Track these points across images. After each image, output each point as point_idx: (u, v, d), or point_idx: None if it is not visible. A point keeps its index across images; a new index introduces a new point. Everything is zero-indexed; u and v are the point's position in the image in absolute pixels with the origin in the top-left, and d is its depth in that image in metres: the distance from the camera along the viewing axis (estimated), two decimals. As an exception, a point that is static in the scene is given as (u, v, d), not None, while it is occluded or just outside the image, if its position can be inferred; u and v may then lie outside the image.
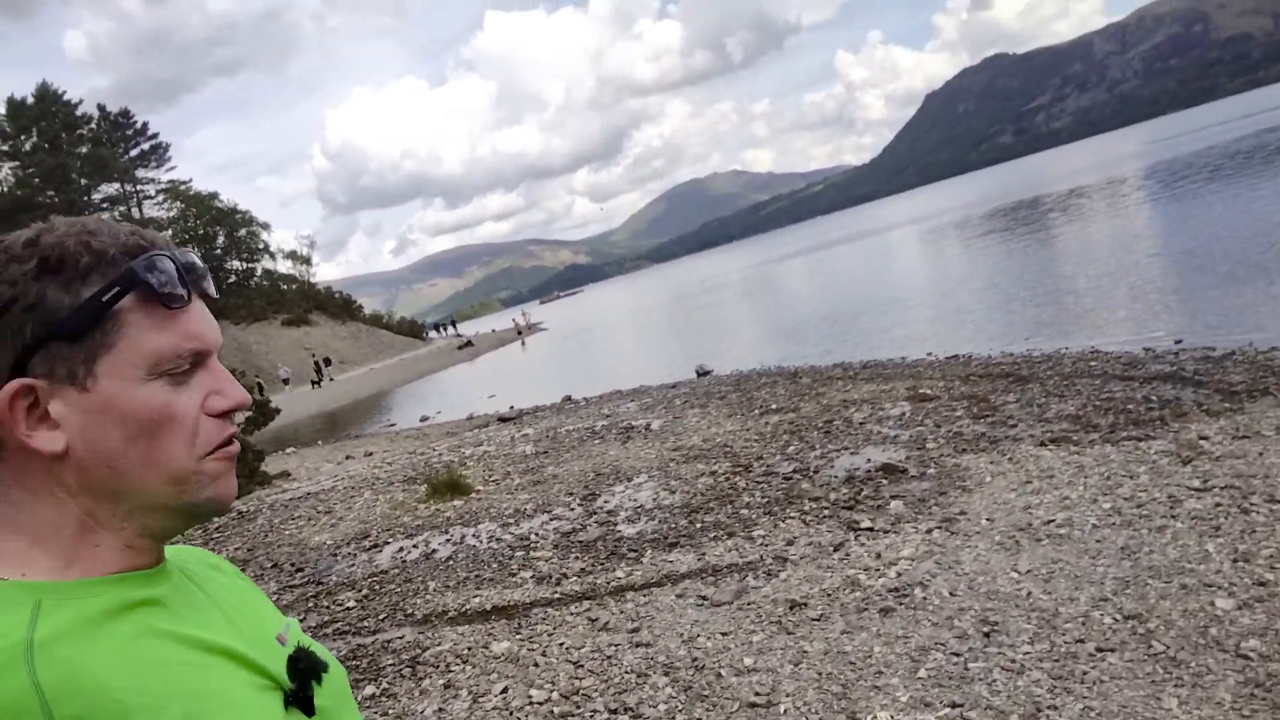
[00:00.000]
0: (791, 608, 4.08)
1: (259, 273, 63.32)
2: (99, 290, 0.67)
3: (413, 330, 70.75)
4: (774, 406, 10.10)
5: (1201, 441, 5.52)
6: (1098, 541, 4.20)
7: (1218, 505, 4.34)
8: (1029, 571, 4.01)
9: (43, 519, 0.68)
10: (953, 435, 6.93)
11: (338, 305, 62.14)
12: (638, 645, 4.00)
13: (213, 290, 0.77)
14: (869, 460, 6.66)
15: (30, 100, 57.96)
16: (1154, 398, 6.91)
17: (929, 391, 9.00)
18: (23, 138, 57.95)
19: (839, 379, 11.43)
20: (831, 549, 4.81)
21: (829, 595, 4.15)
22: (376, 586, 5.86)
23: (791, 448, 7.62)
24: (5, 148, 57.72)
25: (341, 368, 52.58)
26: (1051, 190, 50.93)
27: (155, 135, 66.60)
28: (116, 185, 63.44)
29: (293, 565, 7.02)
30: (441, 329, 73.94)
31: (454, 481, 8.10)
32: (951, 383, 9.37)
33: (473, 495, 7.94)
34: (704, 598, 4.40)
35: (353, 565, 6.59)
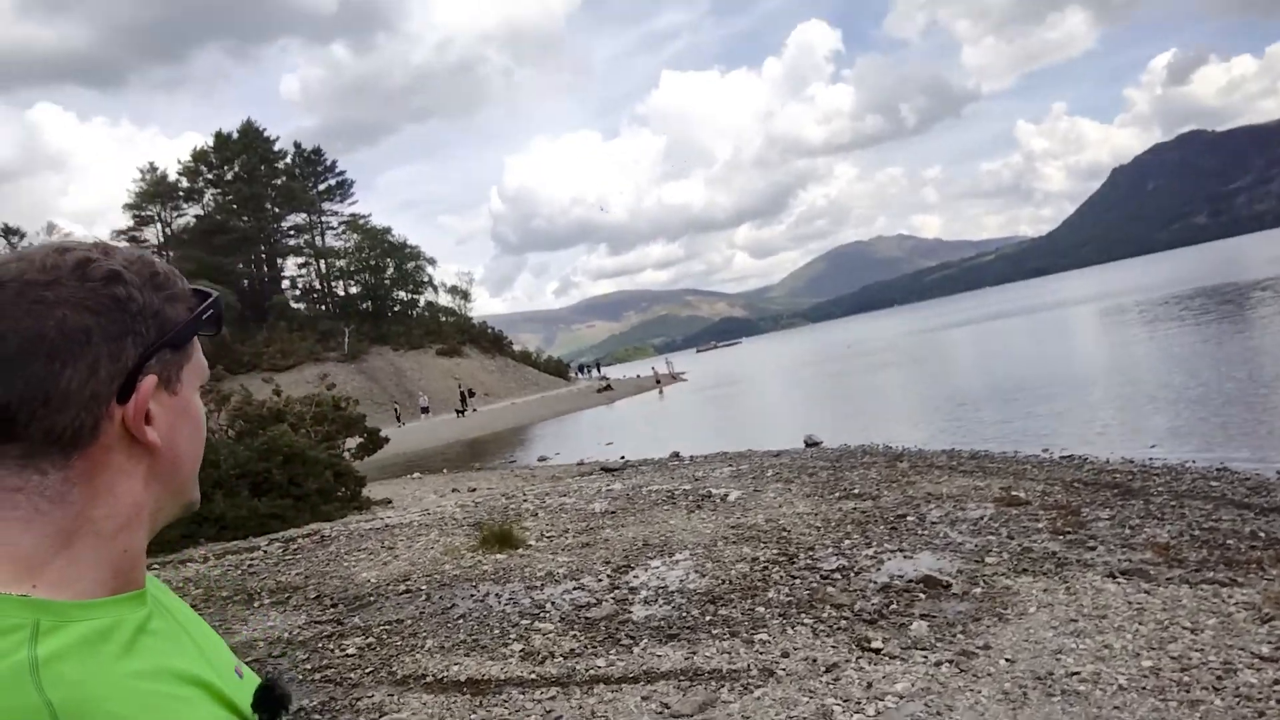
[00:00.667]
0: (744, 734, 3.71)
1: (421, 304, 66.67)
2: (200, 311, 0.77)
3: (558, 370, 72.38)
4: (856, 491, 9.55)
5: (1296, 596, 4.75)
6: (1115, 709, 3.62)
7: (1277, 684, 3.67)
8: (1020, 733, 3.49)
9: (90, 519, 0.70)
10: (1020, 551, 6.28)
11: (489, 340, 64.48)
12: (574, 751, 3.74)
13: None
14: (916, 568, 6.12)
15: (235, 135, 63.81)
16: (1263, 533, 6.04)
17: (1021, 495, 8.27)
18: (225, 168, 63.77)
19: (939, 468, 10.72)
20: (824, 669, 4.38)
21: (791, 726, 3.76)
22: (384, 636, 5.82)
23: (848, 542, 7.13)
24: (211, 176, 63.69)
25: (486, 400, 54.37)
26: (1247, 278, 46.81)
27: (343, 173, 71.90)
28: (303, 215, 68.62)
29: (330, 600, 7.11)
30: (586, 370, 75.29)
31: (505, 534, 8.04)
32: (1051, 487, 8.58)
33: (519, 551, 7.85)
34: (666, 705, 4.08)
35: (380, 610, 6.60)
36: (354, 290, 66.35)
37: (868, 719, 3.77)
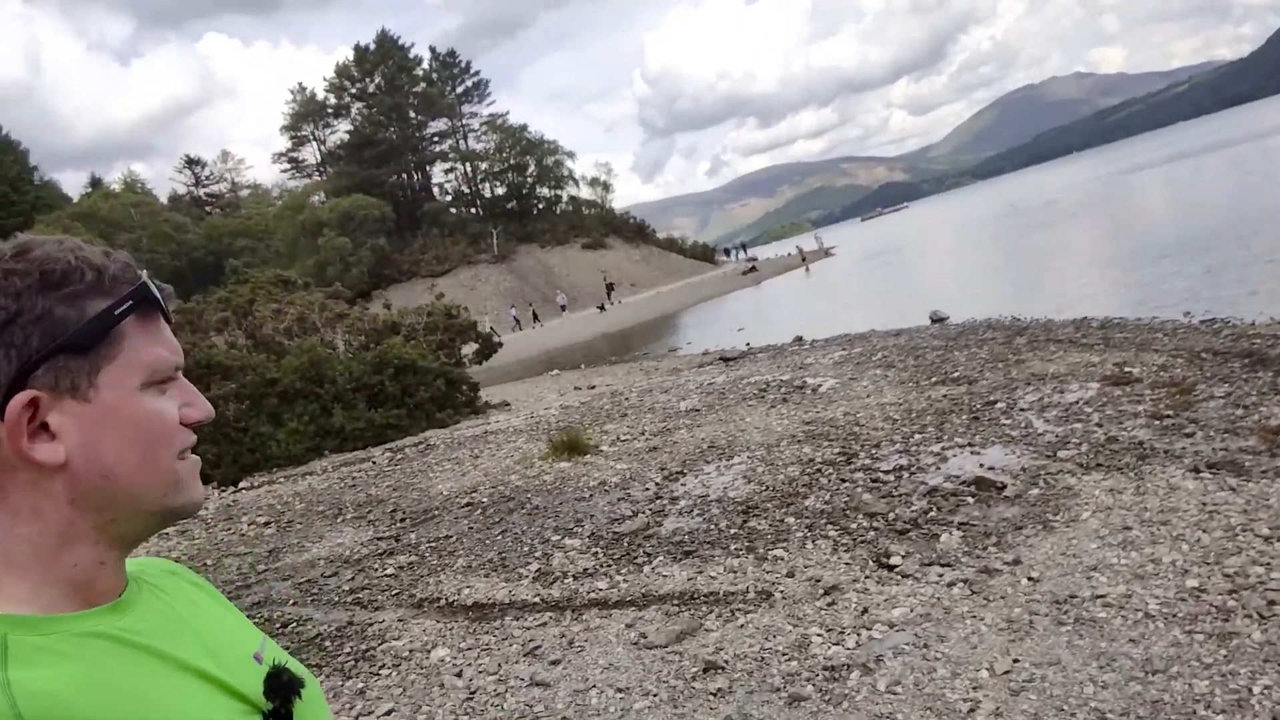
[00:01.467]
0: (706, 669, 3.46)
1: (565, 199, 67.14)
2: (111, 305, 0.71)
3: (704, 254, 71.69)
4: (955, 375, 8.85)
5: None
6: (1130, 641, 3.12)
7: (1344, 612, 3.05)
8: (1006, 673, 3.07)
9: (21, 539, 0.69)
10: (1104, 441, 5.58)
11: (632, 230, 64.42)
12: (535, 685, 3.62)
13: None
14: (981, 465, 5.57)
15: (372, 46, 65.02)
16: None
17: (1134, 371, 7.37)
18: (368, 81, 65.36)
19: (1058, 342, 9.76)
20: (824, 591, 4.04)
21: (760, 661, 3.47)
22: (426, 554, 5.91)
23: (919, 436, 6.60)
24: (354, 91, 65.55)
25: (632, 290, 54.76)
26: None
27: (477, 72, 72.25)
28: (445, 120, 69.78)
29: (402, 514, 7.31)
30: (734, 253, 74.20)
31: (574, 441, 7.97)
32: (1174, 360, 7.61)
33: (585, 457, 7.77)
34: (643, 635, 3.88)
35: (438, 524, 6.71)
36: (500, 191, 67.55)
37: (846, 651, 3.43)
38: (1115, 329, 10.07)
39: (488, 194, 67.91)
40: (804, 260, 54.85)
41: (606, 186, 67.38)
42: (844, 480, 5.73)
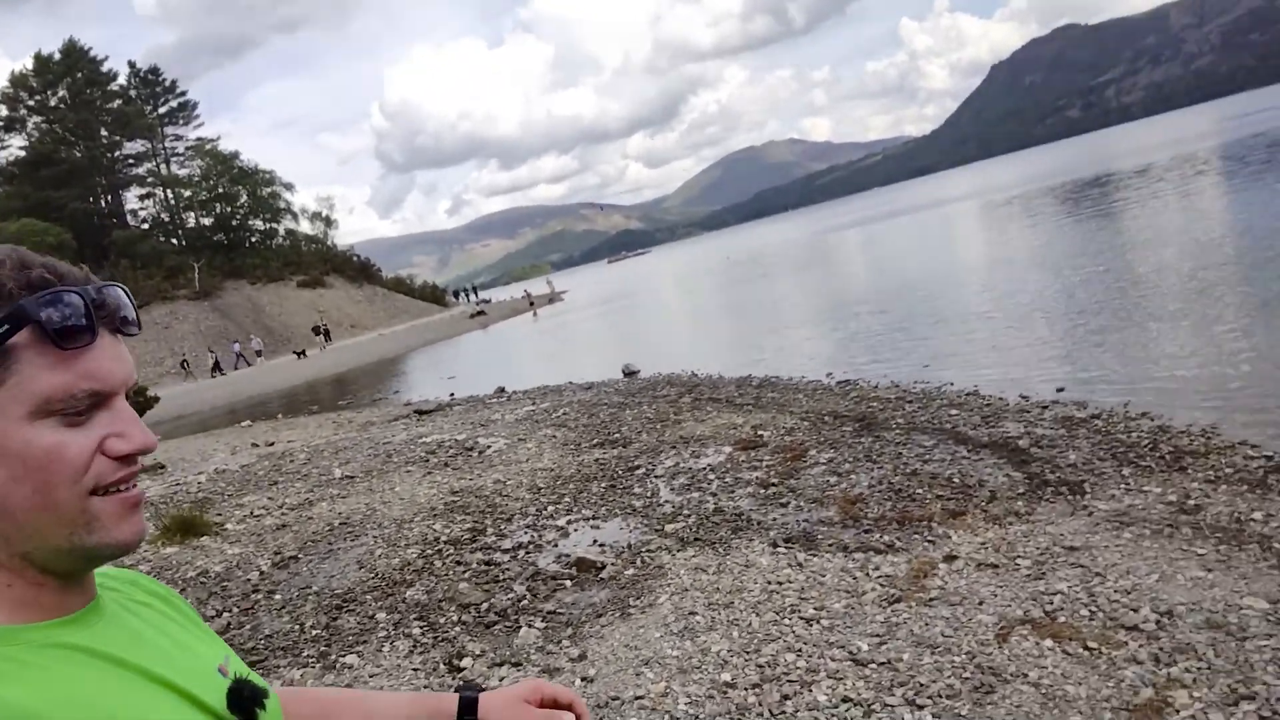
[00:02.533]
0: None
1: (281, 233, 63.13)
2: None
3: (434, 296, 70.15)
4: (615, 436, 8.97)
5: (940, 566, 4.31)
6: (644, 751, 3.05)
7: (845, 702, 3.17)
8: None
9: None
10: (713, 511, 5.76)
11: (355, 268, 61.77)
12: None
13: (134, 327, 0.75)
14: (595, 542, 5.53)
15: (57, 56, 58.10)
16: (958, 478, 5.65)
17: (765, 435, 7.80)
18: (49, 93, 58.18)
19: (719, 401, 10.25)
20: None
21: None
22: None
23: (555, 505, 6.52)
24: (32, 103, 58.05)
25: (352, 331, 52.33)
26: (1115, 169, 47.89)
27: (184, 93, 66.64)
28: (144, 142, 63.54)
29: None
30: (464, 294, 73.33)
31: (189, 521, 7.12)
32: (802, 422, 8.15)
33: (201, 540, 6.94)
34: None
35: None
36: (206, 222, 62.31)
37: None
38: (769, 388, 10.74)
39: (192, 224, 62.44)
40: (532, 305, 55.21)
41: (329, 221, 64.28)
42: (458, 563, 5.47)
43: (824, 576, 4.39)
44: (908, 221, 53.82)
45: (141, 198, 63.37)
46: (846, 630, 3.77)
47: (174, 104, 65.80)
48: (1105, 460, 5.55)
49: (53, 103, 58.64)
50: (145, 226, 61.66)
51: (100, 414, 0.70)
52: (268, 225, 62.63)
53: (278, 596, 5.31)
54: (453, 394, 18.97)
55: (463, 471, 8.45)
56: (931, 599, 3.95)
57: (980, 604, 3.83)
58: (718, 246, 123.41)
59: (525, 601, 4.65)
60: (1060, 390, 7.80)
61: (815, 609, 4.02)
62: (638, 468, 7.40)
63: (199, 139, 65.48)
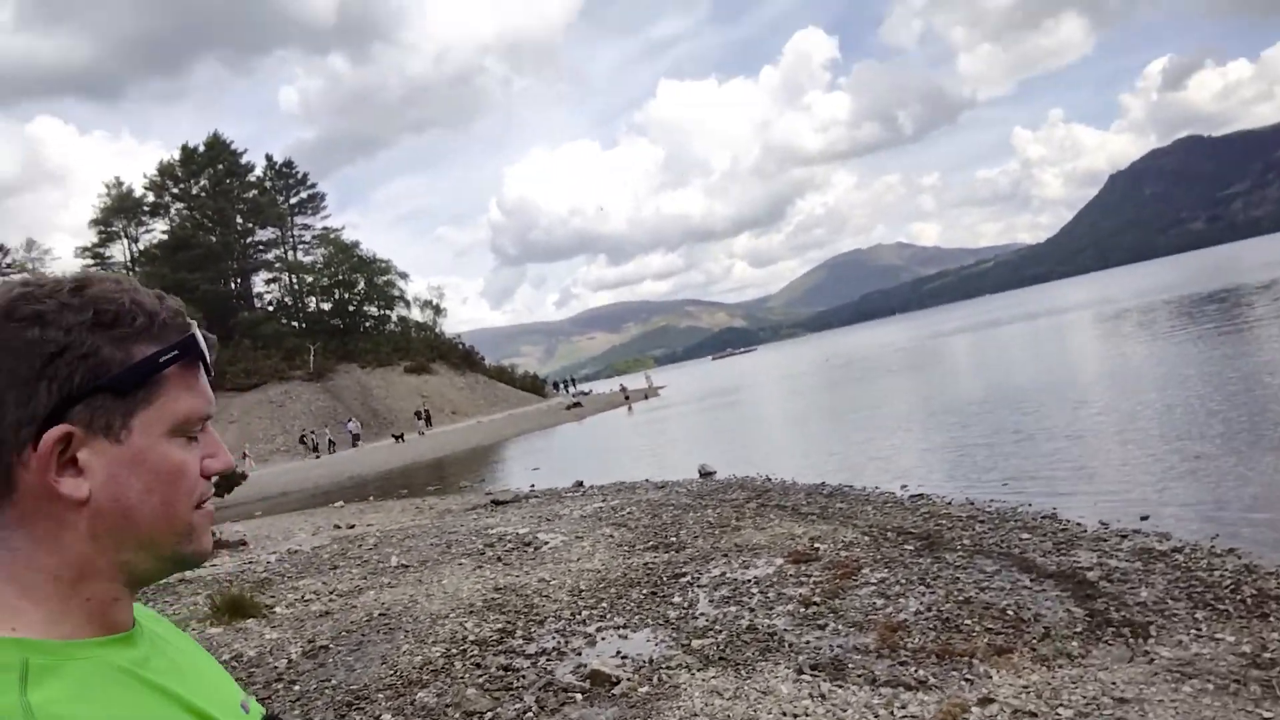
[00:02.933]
0: None
1: (394, 319, 65.78)
2: (157, 352, 0.72)
3: (534, 385, 71.39)
4: (672, 540, 8.75)
5: (973, 710, 3.95)
6: None
7: None
8: None
9: (41, 567, 0.69)
10: (746, 629, 5.48)
11: (459, 356, 63.61)
12: None
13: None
14: (617, 653, 5.32)
15: (202, 148, 63.16)
16: (1013, 610, 5.23)
17: (821, 548, 7.47)
18: (192, 182, 63.10)
19: (783, 509, 9.93)
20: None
21: None
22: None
23: (591, 610, 6.34)
24: (176, 191, 62.99)
25: (453, 418, 53.57)
26: (1239, 283, 45.69)
27: (314, 185, 71.09)
28: (274, 230, 67.85)
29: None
30: (564, 386, 74.45)
31: (238, 603, 7.21)
32: (862, 536, 7.78)
33: (246, 622, 7.01)
34: None
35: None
36: (325, 306, 65.58)
37: None
38: (839, 498, 10.35)
39: (312, 308, 65.77)
40: (626, 399, 55.55)
41: (437, 309, 66.72)
42: (478, 665, 5.33)
43: (844, 712, 4.07)
44: (1016, 330, 52.20)
45: (268, 281, 67.33)
46: (854, 776, 3.46)
47: (304, 195, 70.29)
48: (1179, 600, 5.06)
49: (194, 191, 63.44)
50: (269, 309, 65.34)
51: (202, 436, 0.77)
52: (381, 312, 65.41)
53: (297, 687, 5.27)
54: (533, 485, 19.09)
55: (513, 568, 8.36)
56: (954, 748, 3.60)
57: (1007, 758, 3.47)
58: (819, 347, 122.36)
59: (530, 714, 4.47)
60: (1144, 519, 7.23)
61: (827, 748, 3.72)
62: (684, 574, 7.16)
63: (325, 228, 69.57)
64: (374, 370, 58.23)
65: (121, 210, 63.38)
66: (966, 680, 4.30)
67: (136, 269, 64.40)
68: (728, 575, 6.95)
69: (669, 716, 4.22)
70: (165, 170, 63.48)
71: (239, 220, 65.13)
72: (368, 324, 64.98)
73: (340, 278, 63.10)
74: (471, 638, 5.88)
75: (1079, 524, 7.37)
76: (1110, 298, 68.92)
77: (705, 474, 15.38)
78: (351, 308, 64.49)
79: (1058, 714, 3.80)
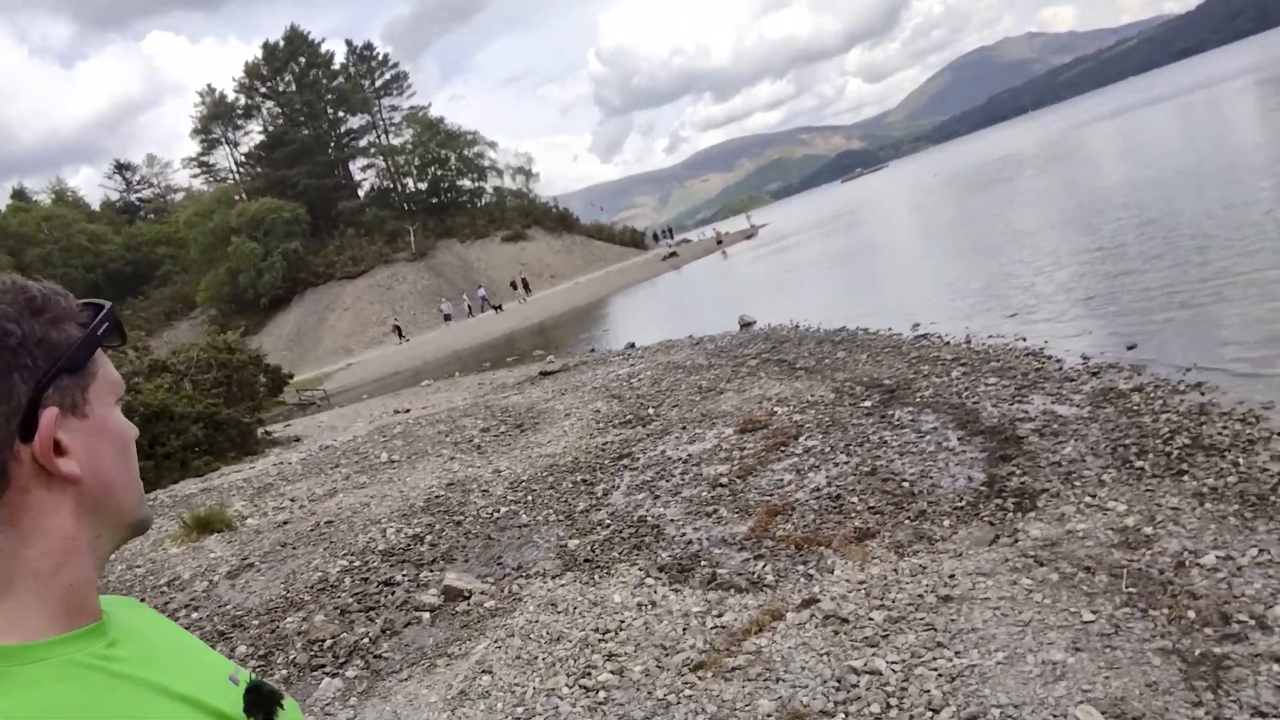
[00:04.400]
0: None
1: (489, 190, 65.88)
2: (93, 326, 0.74)
3: (633, 240, 70.83)
4: (647, 412, 8.44)
5: (787, 616, 3.56)
6: None
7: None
8: None
9: (23, 561, 0.69)
10: (634, 522, 5.17)
11: (555, 219, 63.44)
12: None
13: None
14: (496, 561, 5.13)
15: (281, 43, 63.29)
16: (910, 482, 4.69)
17: (777, 413, 7.00)
18: (277, 79, 63.64)
19: (783, 363, 9.43)
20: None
21: None
22: None
23: (516, 507, 6.16)
24: (264, 90, 63.81)
25: (551, 281, 54.05)
26: None
27: (395, 65, 70.56)
28: (363, 116, 68.15)
29: None
30: (662, 236, 73.58)
31: (209, 518, 7.42)
32: (830, 393, 7.25)
33: (210, 538, 7.22)
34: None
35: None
36: (421, 186, 66.27)
37: None
38: (846, 344, 9.70)
39: (412, 188, 66.57)
40: (720, 244, 54.50)
41: (529, 174, 66.30)
42: (364, 581, 5.27)
43: (659, 624, 3.75)
44: (1158, 112, 47.16)
45: (364, 168, 68.31)
46: (613, 712, 3.17)
47: (388, 76, 69.96)
48: (1101, 457, 4.40)
49: (280, 88, 64.10)
50: (370, 195, 66.56)
51: None
52: (475, 184, 65.58)
53: (195, 614, 5.37)
54: (593, 349, 19.10)
55: (485, 455, 8.29)
56: (733, 669, 3.24)
57: (776, 681, 3.09)
58: (942, 159, 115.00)
59: (367, 640, 4.36)
60: (1131, 348, 6.37)
61: (611, 673, 3.43)
62: (630, 454, 6.88)
63: (412, 107, 69.38)
64: (472, 243, 58.98)
65: (217, 116, 64.97)
66: (807, 577, 3.89)
67: (240, 171, 66.65)
68: (667, 453, 6.62)
69: (487, 638, 4.01)
70: (251, 71, 64.13)
71: (328, 111, 65.64)
72: (462, 198, 65.41)
73: (430, 155, 63.24)
74: (381, 547, 5.83)
75: (1058, 361, 6.57)
76: (1275, 59, 61.31)
77: (744, 324, 14.84)
78: (445, 184, 64.87)
79: (869, 618, 3.36)
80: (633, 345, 17.32)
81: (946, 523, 4.08)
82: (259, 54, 64.89)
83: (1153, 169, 19.90)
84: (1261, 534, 3.28)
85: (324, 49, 66.45)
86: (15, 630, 0.67)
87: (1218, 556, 3.18)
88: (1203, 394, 5.03)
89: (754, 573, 4.05)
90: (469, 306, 46.04)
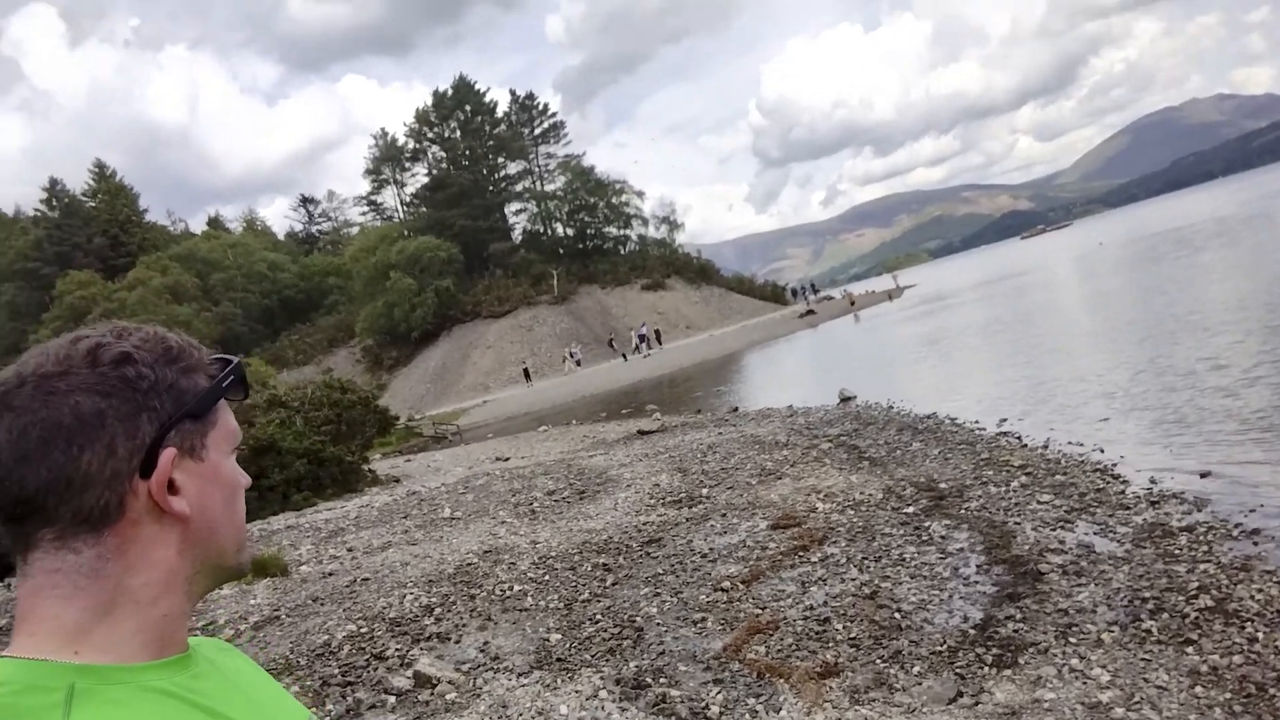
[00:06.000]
0: None
1: (633, 238, 67.15)
2: (221, 377, 0.80)
3: (773, 294, 70.39)
4: (702, 492, 8.28)
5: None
6: None
7: None
8: None
9: (127, 589, 0.73)
10: (623, 622, 5.04)
11: (694, 270, 63.88)
12: None
13: None
14: (484, 645, 5.11)
15: (449, 92, 67.15)
16: (904, 617, 4.37)
17: (818, 509, 6.73)
18: (444, 125, 67.47)
19: (852, 449, 9.06)
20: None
21: None
22: None
23: (520, 588, 6.14)
24: (431, 135, 67.75)
25: (686, 332, 54.27)
26: None
27: (554, 114, 73.46)
28: (521, 162, 71.17)
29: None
30: (803, 292, 72.71)
31: (266, 562, 7.76)
32: (877, 493, 6.90)
33: (262, 582, 7.54)
34: None
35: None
36: (569, 232, 68.29)
37: None
38: (922, 436, 9.26)
39: (561, 233, 68.71)
40: (852, 305, 53.33)
41: (673, 225, 67.17)
42: (361, 650, 5.35)
43: (589, 744, 3.62)
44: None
45: (516, 212, 71.11)
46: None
47: (546, 125, 72.94)
48: (1114, 609, 3.97)
49: (446, 134, 67.88)
50: (520, 238, 69.17)
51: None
52: (620, 232, 67.01)
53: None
54: (699, 411, 18.99)
55: (536, 522, 8.33)
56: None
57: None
58: (1129, 223, 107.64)
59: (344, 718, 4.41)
60: (1204, 476, 5.75)
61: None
62: (658, 540, 6.75)
63: (566, 155, 71.94)
64: (612, 289, 60.06)
65: (387, 159, 69.41)
66: (752, 713, 3.67)
67: (404, 210, 70.71)
68: (694, 544, 6.45)
69: (441, 731, 3.99)
70: (420, 117, 68.35)
71: (488, 156, 68.94)
72: (607, 245, 66.86)
73: (579, 202, 65.19)
74: (393, 614, 5.92)
75: (1124, 483, 6.02)
76: None
77: (844, 399, 14.41)
78: (591, 230, 66.60)
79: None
80: (735, 409, 17.15)
81: (916, 669, 3.77)
82: (428, 101, 69.01)
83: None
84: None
85: (488, 98, 70.00)
86: (109, 652, 0.71)
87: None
88: (1255, 543, 4.47)
89: (703, 700, 3.86)
90: (635, 343, 47.10)
